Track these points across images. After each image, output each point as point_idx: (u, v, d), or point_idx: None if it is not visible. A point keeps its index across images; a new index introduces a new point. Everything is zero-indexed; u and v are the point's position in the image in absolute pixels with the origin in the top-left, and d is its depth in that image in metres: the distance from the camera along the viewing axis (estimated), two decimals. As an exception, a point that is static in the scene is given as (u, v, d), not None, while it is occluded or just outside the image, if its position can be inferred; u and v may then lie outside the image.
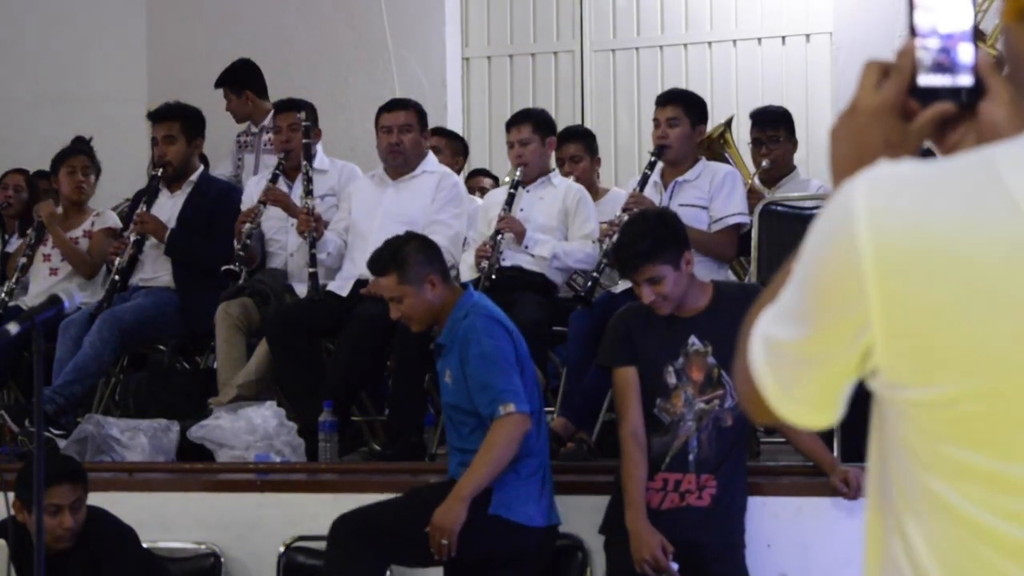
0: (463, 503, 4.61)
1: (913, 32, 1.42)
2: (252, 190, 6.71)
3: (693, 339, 4.79)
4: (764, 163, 6.93)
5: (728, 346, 4.71)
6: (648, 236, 4.74)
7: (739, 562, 4.82)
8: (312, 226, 6.25)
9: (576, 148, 6.86)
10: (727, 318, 4.70)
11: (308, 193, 6.42)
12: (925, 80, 1.41)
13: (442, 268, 4.95)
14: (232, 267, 6.21)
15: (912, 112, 1.44)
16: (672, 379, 4.80)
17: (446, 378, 4.87)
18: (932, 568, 1.39)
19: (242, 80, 7.82)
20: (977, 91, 1.42)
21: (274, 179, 6.56)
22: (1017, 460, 1.35)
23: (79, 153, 7.11)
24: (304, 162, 6.52)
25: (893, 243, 1.35)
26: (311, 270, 6.21)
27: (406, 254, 4.90)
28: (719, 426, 4.76)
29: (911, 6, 1.41)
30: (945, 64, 1.41)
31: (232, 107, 7.79)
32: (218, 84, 7.85)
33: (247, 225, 6.35)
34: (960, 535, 1.37)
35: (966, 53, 1.41)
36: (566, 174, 6.71)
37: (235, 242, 6.34)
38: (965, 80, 1.41)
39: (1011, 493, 1.35)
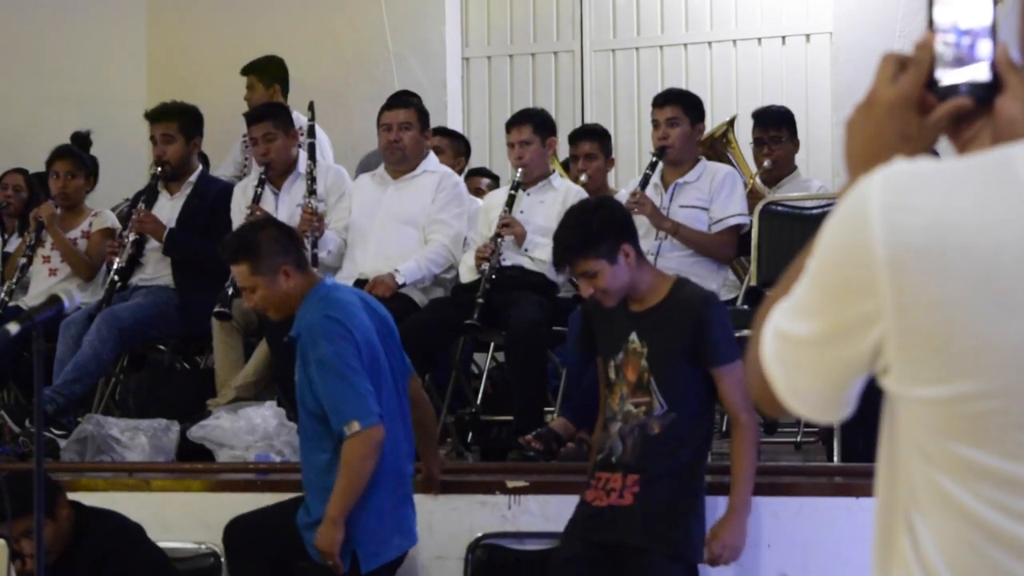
0: (334, 525, 4.44)
1: (932, 26, 1.42)
2: (239, 198, 6.60)
3: (633, 336, 4.56)
4: (766, 163, 6.93)
5: (661, 350, 4.49)
6: (579, 230, 4.47)
7: (656, 566, 4.48)
8: (315, 225, 6.24)
9: (591, 146, 6.84)
10: (670, 321, 4.51)
11: (312, 192, 6.40)
12: (943, 74, 1.42)
13: (297, 257, 4.67)
14: (224, 310, 6.10)
15: (928, 106, 1.44)
16: (613, 374, 4.61)
17: (296, 376, 4.65)
18: (940, 567, 1.39)
19: (275, 73, 7.74)
20: (994, 86, 1.42)
21: (256, 199, 6.45)
22: (1029, 460, 1.35)
23: (63, 157, 7.09)
24: (308, 161, 6.49)
25: (907, 240, 1.35)
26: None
27: (258, 242, 4.61)
28: (645, 433, 4.51)
29: (931, 1, 1.41)
30: (963, 59, 1.41)
31: (256, 98, 7.61)
32: (246, 71, 7.75)
33: None
34: (969, 534, 1.37)
35: (984, 48, 1.41)
36: (579, 172, 6.69)
37: (227, 284, 6.05)
38: (983, 75, 1.41)
39: (1021, 493, 1.35)
